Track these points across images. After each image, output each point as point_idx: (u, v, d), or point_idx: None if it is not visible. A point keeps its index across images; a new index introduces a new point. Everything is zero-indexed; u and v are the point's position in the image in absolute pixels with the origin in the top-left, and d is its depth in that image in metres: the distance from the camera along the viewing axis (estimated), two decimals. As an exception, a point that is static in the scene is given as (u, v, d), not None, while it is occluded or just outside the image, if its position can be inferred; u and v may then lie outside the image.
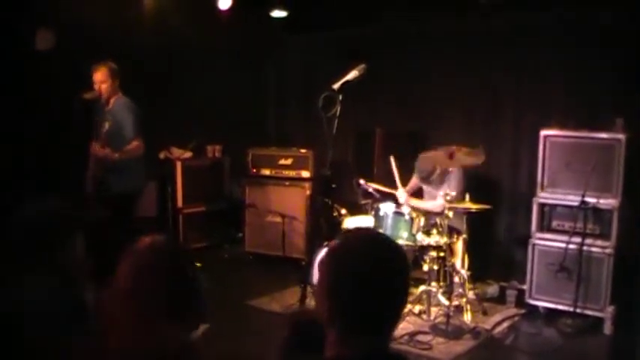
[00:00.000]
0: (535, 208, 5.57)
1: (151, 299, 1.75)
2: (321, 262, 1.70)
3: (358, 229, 2.84)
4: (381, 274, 1.63)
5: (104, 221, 4.93)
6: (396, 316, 1.70)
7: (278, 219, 6.89)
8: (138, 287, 1.76)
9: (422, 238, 5.33)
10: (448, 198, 5.20)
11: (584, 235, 5.20)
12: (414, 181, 6.05)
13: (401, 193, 5.81)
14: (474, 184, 5.98)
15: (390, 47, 7.13)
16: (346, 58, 4.82)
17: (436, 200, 5.64)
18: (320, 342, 1.67)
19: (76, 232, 2.42)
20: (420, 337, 4.86)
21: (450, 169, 5.60)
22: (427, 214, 5.59)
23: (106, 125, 5.25)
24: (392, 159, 5.84)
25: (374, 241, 1.73)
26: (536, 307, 5.55)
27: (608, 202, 5.21)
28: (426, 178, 5.74)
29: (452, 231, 5.43)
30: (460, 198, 5.54)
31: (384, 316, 1.66)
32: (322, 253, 5.15)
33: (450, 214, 5.23)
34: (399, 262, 1.70)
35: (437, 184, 5.70)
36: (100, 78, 5.24)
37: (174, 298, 1.79)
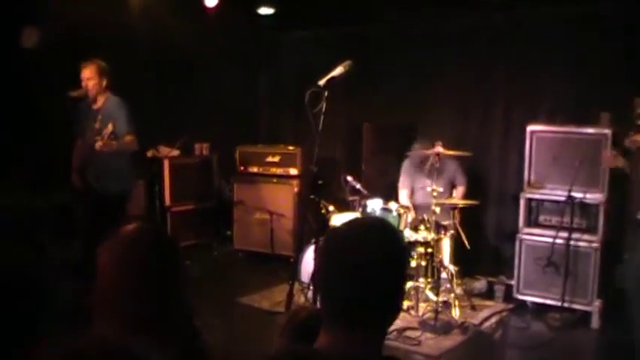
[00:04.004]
0: (522, 204, 5.60)
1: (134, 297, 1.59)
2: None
3: (359, 218, 2.71)
4: (374, 262, 1.48)
5: (96, 220, 4.90)
6: (394, 309, 1.55)
7: (266, 216, 6.88)
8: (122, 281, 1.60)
9: (410, 234, 5.34)
10: (435, 194, 5.21)
11: (571, 230, 5.24)
12: (406, 179, 6.11)
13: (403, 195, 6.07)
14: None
15: (380, 44, 7.15)
16: (338, 55, 4.81)
17: (444, 193, 5.66)
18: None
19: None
20: (409, 333, 4.88)
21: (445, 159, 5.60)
22: (417, 209, 5.63)
23: (97, 125, 5.16)
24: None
25: (369, 227, 1.59)
26: (524, 302, 5.58)
27: (594, 197, 5.24)
28: (419, 167, 5.85)
29: (439, 227, 5.44)
30: (448, 194, 5.57)
31: (378, 308, 1.50)
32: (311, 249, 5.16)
33: (437, 209, 5.24)
34: (393, 249, 1.54)
35: (434, 175, 5.31)
36: (88, 75, 5.18)
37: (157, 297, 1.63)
